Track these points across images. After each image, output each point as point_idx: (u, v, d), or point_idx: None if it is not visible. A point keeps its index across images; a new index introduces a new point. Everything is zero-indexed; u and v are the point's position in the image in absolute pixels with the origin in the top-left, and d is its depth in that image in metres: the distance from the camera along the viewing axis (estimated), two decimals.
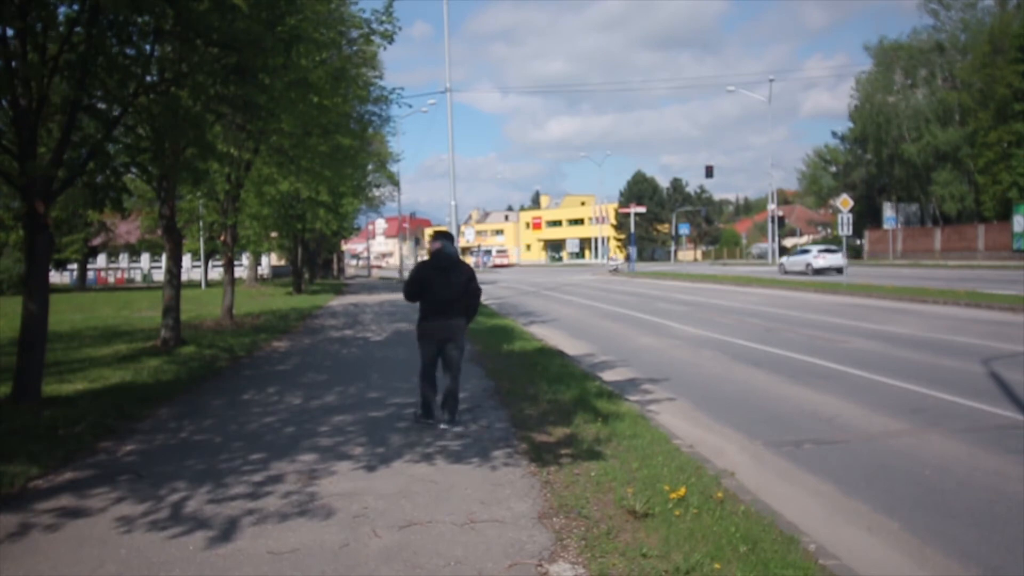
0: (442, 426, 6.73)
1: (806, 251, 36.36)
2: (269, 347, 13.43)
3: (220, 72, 8.18)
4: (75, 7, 7.90)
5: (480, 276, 7.69)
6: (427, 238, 7.46)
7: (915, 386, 8.30)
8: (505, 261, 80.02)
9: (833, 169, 62.91)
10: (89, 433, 6.62)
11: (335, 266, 62.49)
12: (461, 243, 70.33)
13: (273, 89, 9.19)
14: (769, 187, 51.17)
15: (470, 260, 66.93)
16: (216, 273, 47.52)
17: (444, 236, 6.88)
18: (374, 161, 36.74)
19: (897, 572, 4.01)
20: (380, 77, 22.85)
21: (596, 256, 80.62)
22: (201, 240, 44.25)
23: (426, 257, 7.08)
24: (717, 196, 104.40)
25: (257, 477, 5.32)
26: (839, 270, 32.07)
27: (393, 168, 49.34)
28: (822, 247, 36.95)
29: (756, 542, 3.89)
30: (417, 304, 6.89)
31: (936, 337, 12.25)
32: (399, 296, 8.45)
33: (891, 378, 8.78)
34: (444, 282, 6.66)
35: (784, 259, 38.14)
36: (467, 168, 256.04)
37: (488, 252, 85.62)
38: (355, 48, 16.09)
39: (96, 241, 51.12)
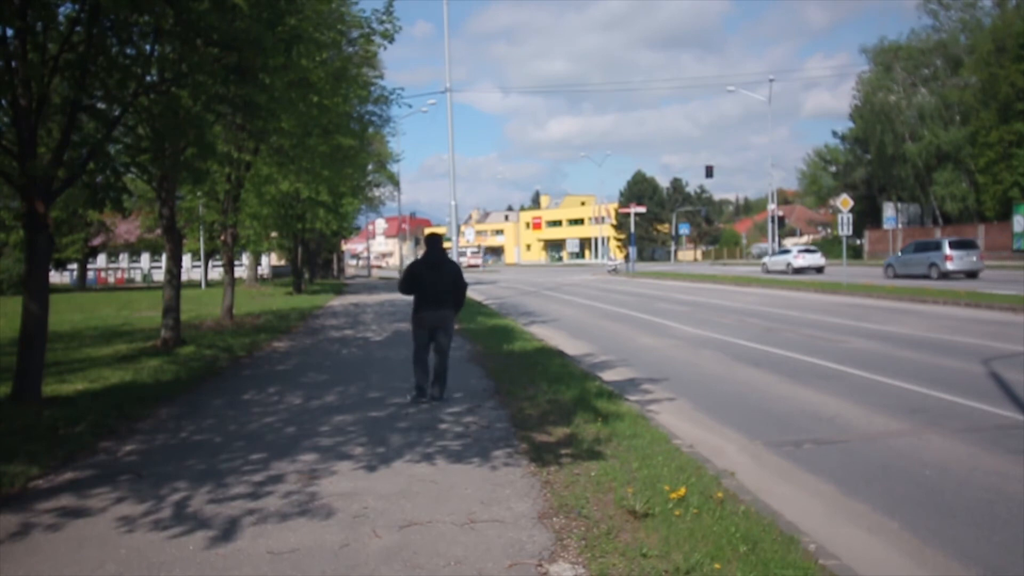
0: (432, 401, 7.76)
1: (786, 251, 40.15)
2: (269, 347, 13.43)
3: (220, 72, 8.17)
4: (75, 7, 7.90)
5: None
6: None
7: (915, 386, 8.30)
8: (476, 262, 78.15)
9: (833, 169, 62.97)
10: (89, 433, 6.62)
11: (335, 266, 62.45)
12: (461, 243, 69.20)
13: (273, 89, 9.18)
14: (769, 187, 51.12)
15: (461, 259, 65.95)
16: (216, 273, 47.52)
17: (433, 239, 7.98)
18: (374, 161, 36.75)
19: (897, 572, 4.01)
20: (380, 77, 22.85)
21: (596, 256, 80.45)
22: (201, 240, 44.24)
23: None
24: (717, 196, 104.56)
25: (257, 477, 5.33)
26: (819, 269, 36.08)
27: (393, 168, 49.45)
28: (801, 247, 41.57)
29: (756, 542, 3.89)
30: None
31: (936, 337, 12.25)
32: (399, 296, 8.84)
33: (891, 378, 8.79)
34: (434, 277, 7.72)
35: (766, 259, 40.93)
36: (467, 168, 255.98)
37: (473, 251, 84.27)
38: (355, 48, 16.09)
39: (96, 241, 51.11)
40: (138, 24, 7.99)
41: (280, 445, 6.22)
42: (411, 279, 7.80)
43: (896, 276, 29.30)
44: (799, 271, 35.88)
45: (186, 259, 48.68)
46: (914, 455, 5.89)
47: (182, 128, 8.47)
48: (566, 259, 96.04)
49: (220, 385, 9.42)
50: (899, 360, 10.13)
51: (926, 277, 27.51)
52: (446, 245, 9.57)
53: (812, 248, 40.63)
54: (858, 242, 53.78)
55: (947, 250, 27.37)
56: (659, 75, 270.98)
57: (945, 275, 26.98)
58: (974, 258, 27.42)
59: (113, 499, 4.93)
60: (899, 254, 31.41)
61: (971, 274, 27.12)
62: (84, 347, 13.12)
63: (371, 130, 21.76)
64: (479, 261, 79.94)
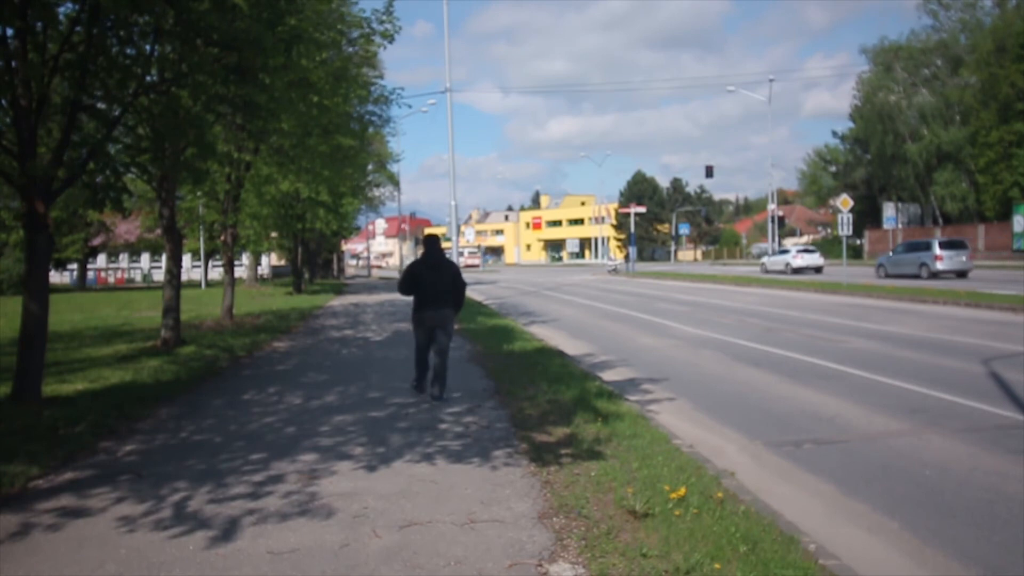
0: (432, 401, 7.80)
1: (785, 251, 40.90)
2: (269, 347, 13.43)
3: (220, 72, 8.17)
4: (75, 7, 7.90)
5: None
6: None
7: (915, 386, 8.30)
8: (475, 262, 77.44)
9: (833, 169, 62.99)
10: (89, 433, 6.62)
11: (335, 266, 62.45)
12: (461, 243, 68.91)
13: (273, 89, 9.18)
14: (769, 187, 51.16)
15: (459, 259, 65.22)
16: (216, 273, 47.51)
17: (432, 239, 8.05)
18: (374, 161, 36.75)
19: (897, 572, 4.01)
20: (381, 77, 22.87)
21: (596, 256, 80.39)
22: (201, 240, 44.22)
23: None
24: (717, 196, 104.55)
25: (257, 477, 5.33)
26: (817, 269, 36.76)
27: (393, 168, 49.45)
28: (800, 248, 42.63)
29: (756, 542, 3.90)
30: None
31: (936, 337, 12.25)
32: (399, 296, 8.85)
33: (891, 378, 8.79)
34: (434, 277, 7.80)
35: (765, 259, 41.54)
36: (467, 168, 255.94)
37: (471, 251, 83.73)
38: (355, 48, 16.09)
39: (96, 241, 51.10)
40: (138, 24, 7.98)
41: (280, 445, 6.22)
42: (411, 279, 7.89)
43: (887, 276, 29.98)
44: (798, 271, 36.44)
45: (186, 259, 48.68)
46: (914, 455, 5.89)
47: (182, 128, 8.47)
48: (566, 259, 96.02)
49: (220, 385, 9.42)
50: (899, 360, 10.13)
51: (916, 277, 28.21)
52: (446, 245, 9.61)
53: (811, 248, 41.46)
54: (858, 242, 53.79)
55: (937, 250, 28.16)
56: (659, 75, 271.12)
57: (935, 275, 27.62)
58: (963, 258, 28.12)
59: (113, 499, 4.93)
60: (890, 254, 32.39)
61: (961, 274, 27.77)
62: (84, 347, 13.11)
63: (371, 130, 21.74)
64: (478, 261, 79.61)
